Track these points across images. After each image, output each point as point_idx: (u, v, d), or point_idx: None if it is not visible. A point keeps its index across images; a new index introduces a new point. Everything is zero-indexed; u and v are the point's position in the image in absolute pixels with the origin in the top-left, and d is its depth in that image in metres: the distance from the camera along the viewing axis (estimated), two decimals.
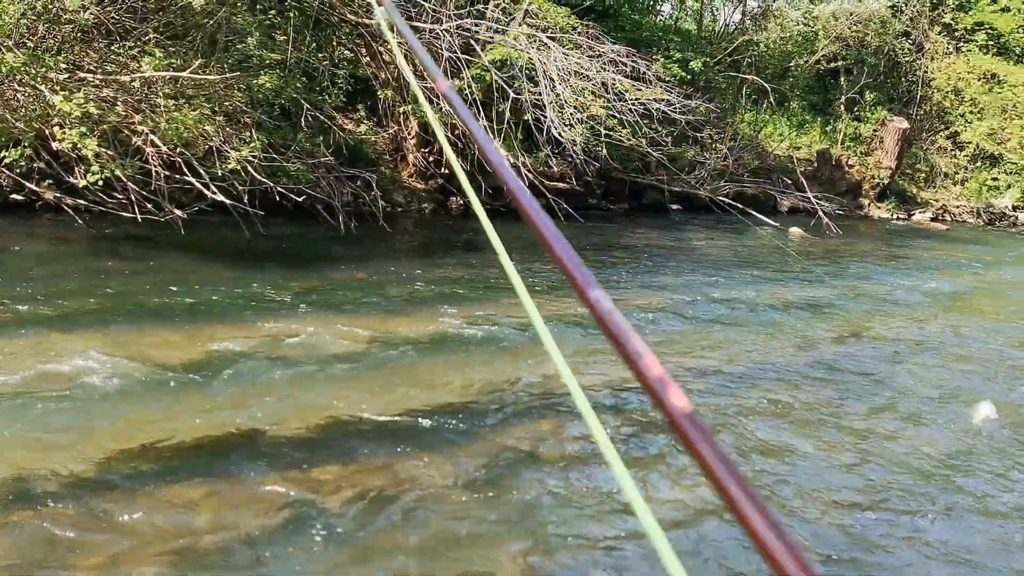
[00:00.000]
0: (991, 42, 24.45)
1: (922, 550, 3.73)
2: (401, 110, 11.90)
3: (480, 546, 3.40)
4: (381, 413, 4.56)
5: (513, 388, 5.18)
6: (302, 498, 3.59)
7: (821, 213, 15.13)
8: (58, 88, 7.90)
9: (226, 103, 9.85)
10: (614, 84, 10.66)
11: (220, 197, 8.33)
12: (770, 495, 4.04)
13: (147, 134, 8.50)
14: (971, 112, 23.85)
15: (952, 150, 24.13)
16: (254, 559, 3.16)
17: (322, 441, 4.17)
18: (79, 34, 8.72)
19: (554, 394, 5.12)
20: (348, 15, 10.72)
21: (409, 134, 12.99)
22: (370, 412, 4.57)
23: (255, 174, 8.70)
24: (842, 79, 23.00)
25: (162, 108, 8.69)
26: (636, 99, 11.23)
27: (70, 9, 8.15)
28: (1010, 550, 3.86)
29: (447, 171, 12.97)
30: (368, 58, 11.71)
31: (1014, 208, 23.66)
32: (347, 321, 6.28)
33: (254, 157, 8.79)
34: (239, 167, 8.64)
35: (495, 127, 10.19)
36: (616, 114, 11.01)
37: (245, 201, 8.47)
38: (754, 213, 16.53)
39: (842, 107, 22.60)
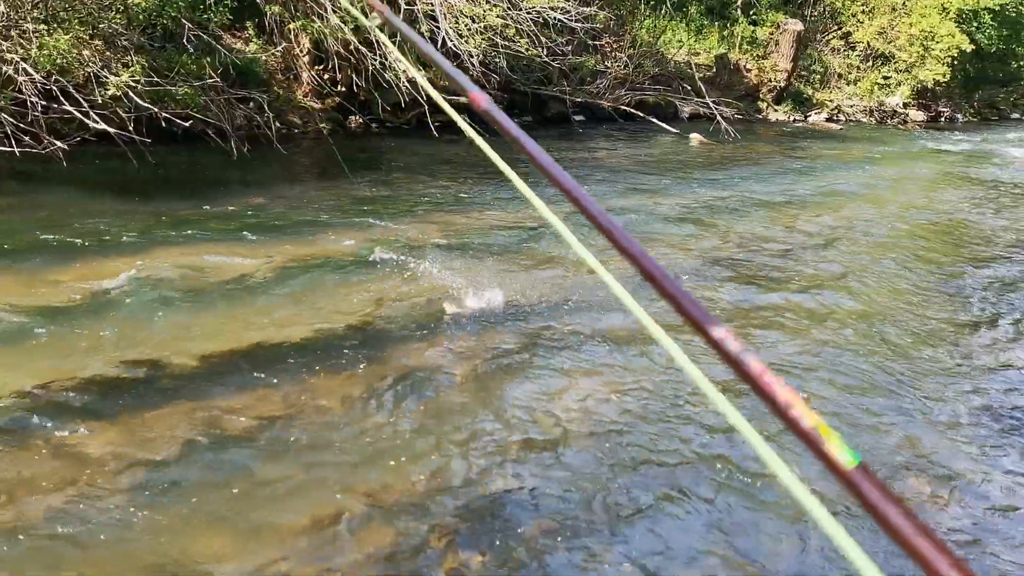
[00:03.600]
0: None
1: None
2: (290, 26, 11.45)
3: (385, 464, 3.43)
4: (282, 339, 4.51)
5: (414, 307, 5.17)
6: (204, 430, 3.55)
7: (720, 119, 15.32)
8: None
9: (102, 25, 9.32)
10: None
11: (102, 125, 7.95)
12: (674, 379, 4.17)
13: (18, 62, 8.00)
14: (862, 12, 24.27)
15: (845, 50, 24.60)
16: (157, 491, 3.12)
17: (221, 370, 4.10)
18: None
19: (449, 312, 5.14)
20: None
21: (302, 51, 12.55)
22: (271, 337, 4.51)
23: (138, 100, 8.31)
24: None
25: (32, 33, 8.18)
26: (532, 7, 11.06)
27: None
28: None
29: (343, 89, 12.63)
30: None
31: (904, 106, 24.40)
32: (244, 248, 6.14)
33: (136, 82, 8.38)
34: (120, 93, 8.23)
35: (389, 40, 9.92)
36: (513, 24, 10.83)
37: (130, 129, 8.10)
38: (656, 121, 16.67)
39: (739, 11, 22.71)
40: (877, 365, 4.73)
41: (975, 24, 23.82)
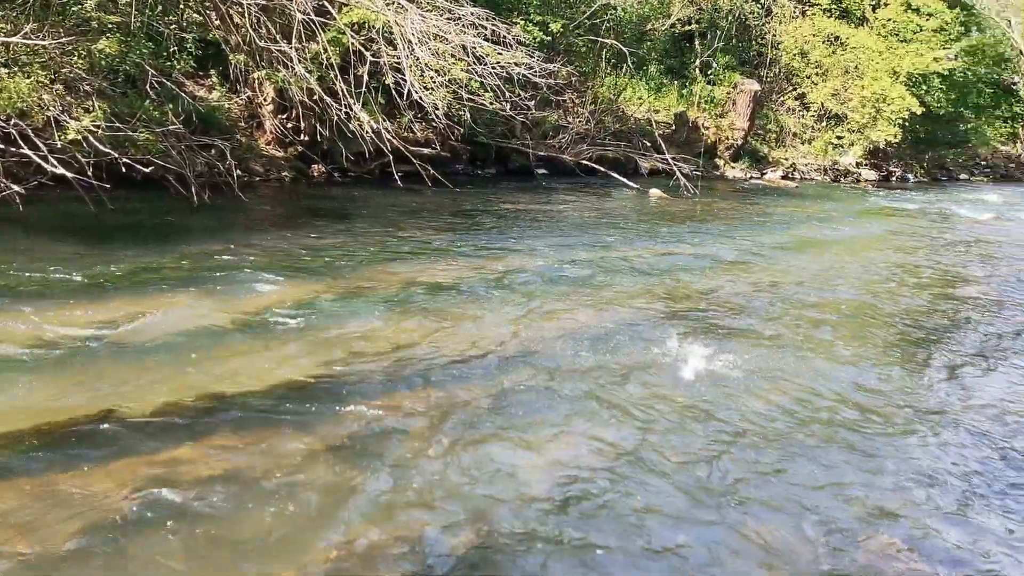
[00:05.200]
0: (833, 5, 25.63)
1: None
2: (255, 75, 11.47)
3: (334, 522, 3.36)
4: (236, 390, 4.43)
5: (380, 358, 5.12)
6: (155, 481, 3.45)
7: (679, 174, 15.56)
8: None
9: (64, 70, 9.27)
10: (474, 48, 10.58)
11: (61, 170, 7.84)
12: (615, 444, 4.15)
13: None
14: (816, 74, 25.00)
15: (800, 110, 25.28)
16: (106, 546, 3.02)
17: (175, 422, 4.00)
18: None
19: (417, 363, 5.10)
20: None
21: (265, 100, 12.57)
22: (229, 388, 4.42)
23: (99, 145, 8.24)
24: (697, 43, 23.65)
25: None
26: (497, 63, 11.19)
27: None
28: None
29: (307, 138, 12.63)
30: (218, 21, 11.20)
31: (857, 165, 25.08)
32: (202, 296, 6.05)
33: (96, 127, 8.31)
34: (80, 138, 8.16)
35: (354, 91, 9.95)
36: (478, 78, 10.95)
37: (89, 174, 8.01)
38: (616, 176, 16.91)
39: (697, 70, 23.27)
40: (828, 425, 4.76)
41: (924, 88, 24.64)
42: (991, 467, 4.36)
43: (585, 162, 17.41)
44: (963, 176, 31.03)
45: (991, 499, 4.02)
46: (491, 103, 11.55)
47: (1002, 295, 8.75)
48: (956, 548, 3.57)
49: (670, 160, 16.41)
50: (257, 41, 10.41)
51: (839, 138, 25.01)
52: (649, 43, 22.58)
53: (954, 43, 25.77)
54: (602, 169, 17.10)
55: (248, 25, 10.29)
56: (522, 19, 15.83)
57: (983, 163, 33.14)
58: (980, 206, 19.60)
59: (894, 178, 26.33)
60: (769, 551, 3.38)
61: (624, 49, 17.86)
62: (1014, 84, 37.12)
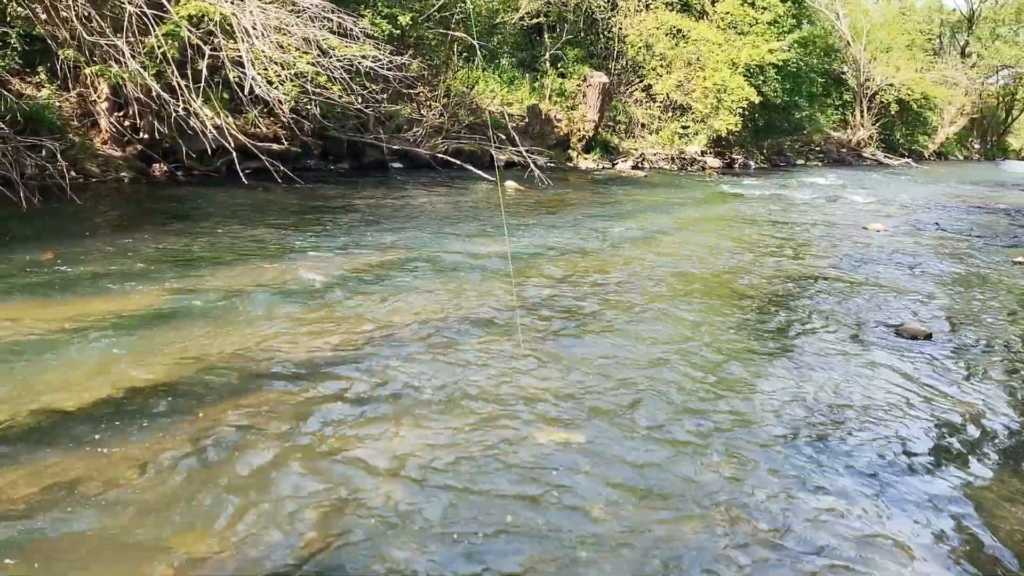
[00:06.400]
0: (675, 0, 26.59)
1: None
2: (86, 71, 10.88)
3: (201, 527, 3.25)
4: (74, 403, 4.20)
5: (224, 361, 4.97)
6: None
7: (533, 166, 15.75)
8: None
9: None
10: (319, 41, 10.40)
11: None
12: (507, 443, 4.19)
13: None
14: (661, 66, 25.85)
15: (647, 101, 26.08)
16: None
17: (7, 438, 3.77)
18: None
19: (263, 363, 4.99)
20: None
21: (99, 97, 11.94)
22: (61, 403, 4.19)
23: None
24: (546, 36, 24.03)
25: None
26: (344, 56, 11.04)
27: None
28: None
29: (146, 136, 12.10)
30: (44, 15, 10.56)
31: (702, 153, 26.10)
32: (35, 306, 5.72)
33: None
34: None
35: (193, 86, 9.59)
36: (325, 71, 10.77)
37: None
38: (472, 168, 16.98)
39: (547, 63, 23.65)
40: (677, 400, 4.95)
41: (762, 78, 25.91)
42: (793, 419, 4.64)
43: (441, 155, 17.42)
44: (800, 161, 32.81)
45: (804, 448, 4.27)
46: (340, 96, 11.40)
47: (824, 269, 9.31)
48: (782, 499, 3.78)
49: (524, 152, 16.60)
50: (86, 36, 9.90)
51: (684, 128, 25.97)
52: (500, 36, 22.78)
53: (787, 35, 27.18)
54: (458, 162, 17.14)
55: (76, 18, 9.76)
56: (370, 12, 15.65)
57: (817, 149, 35.13)
58: (814, 189, 20.79)
59: (737, 165, 27.53)
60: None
61: (474, 42, 17.95)
62: (843, 73, 39.56)
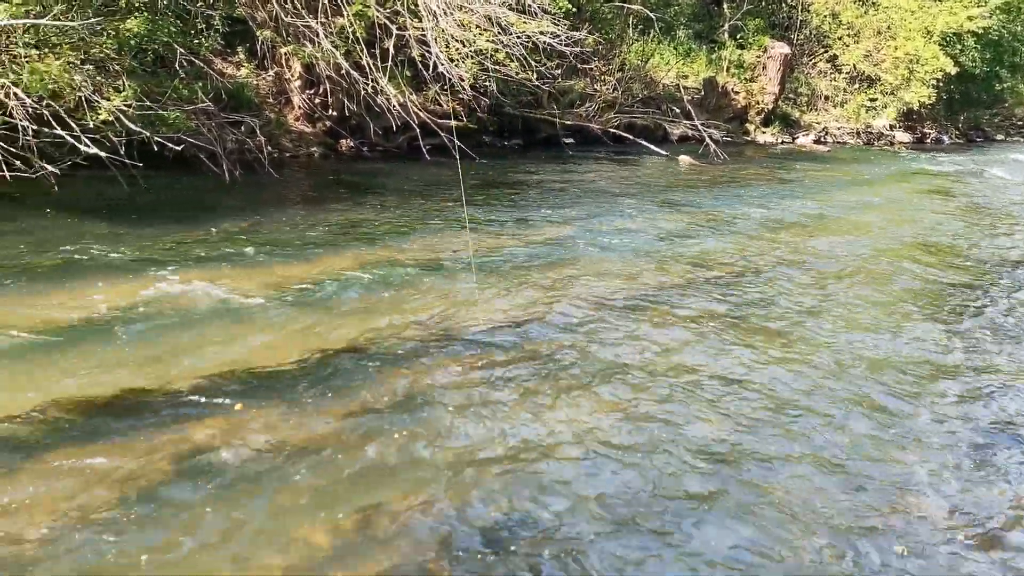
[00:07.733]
0: None
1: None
2: (282, 51, 11.49)
3: (376, 488, 3.42)
4: (277, 362, 4.50)
5: (413, 330, 5.17)
6: (191, 455, 3.53)
7: (709, 140, 15.43)
8: None
9: (93, 50, 9.34)
10: (499, 18, 10.53)
11: (94, 149, 7.93)
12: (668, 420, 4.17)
13: (9, 87, 8.00)
14: (848, 35, 24.55)
15: (832, 73, 24.86)
16: (149, 515, 3.11)
17: (210, 397, 4.08)
18: None
19: (456, 333, 5.15)
20: None
21: (293, 76, 12.60)
22: (264, 362, 4.50)
23: (130, 124, 8.32)
24: (725, 6, 23.32)
25: (23, 58, 8.19)
26: (523, 32, 11.12)
27: None
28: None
29: (335, 113, 12.67)
30: None
31: (891, 127, 24.67)
32: (238, 271, 6.14)
33: (127, 106, 8.38)
34: (112, 118, 8.24)
35: (380, 65, 9.96)
36: (503, 48, 10.90)
37: (122, 153, 8.11)
38: (645, 143, 16.78)
39: (726, 34, 22.96)
40: (860, 391, 4.75)
41: (959, 47, 24.13)
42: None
43: (613, 130, 17.28)
44: (999, 137, 30.46)
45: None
46: (517, 73, 11.50)
47: None
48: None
49: (699, 126, 16.27)
50: (283, 17, 10.45)
51: (872, 100, 24.59)
52: (676, 7, 22.30)
53: (988, 0, 25.17)
54: (631, 137, 16.97)
55: (274, 0, 10.32)
56: None
57: (1020, 123, 32.48)
58: (1016, 167, 19.24)
59: (929, 140, 25.91)
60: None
61: (650, 14, 17.66)
62: None
